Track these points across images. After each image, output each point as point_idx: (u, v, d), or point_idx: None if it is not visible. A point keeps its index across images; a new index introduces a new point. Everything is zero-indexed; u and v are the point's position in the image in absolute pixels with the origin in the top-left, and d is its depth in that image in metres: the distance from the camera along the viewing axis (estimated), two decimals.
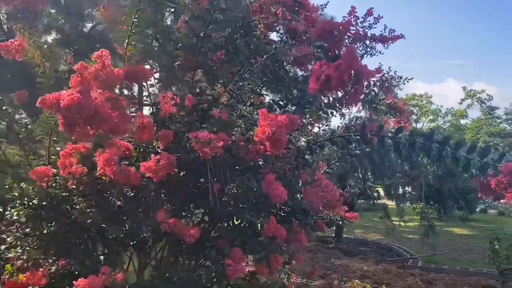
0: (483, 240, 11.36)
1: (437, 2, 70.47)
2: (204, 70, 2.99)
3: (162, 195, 2.59)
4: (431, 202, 16.21)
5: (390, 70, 4.06)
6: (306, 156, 3.07)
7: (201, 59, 2.91)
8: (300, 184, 2.52)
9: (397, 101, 3.78)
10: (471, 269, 8.20)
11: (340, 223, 3.16)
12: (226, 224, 2.74)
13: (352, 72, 2.02)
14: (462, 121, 44.90)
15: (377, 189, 11.11)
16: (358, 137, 2.73)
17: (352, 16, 3.51)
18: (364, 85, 2.10)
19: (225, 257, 2.37)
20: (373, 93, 3.49)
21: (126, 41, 2.63)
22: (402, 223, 11.42)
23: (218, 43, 3.05)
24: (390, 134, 2.64)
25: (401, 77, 4.10)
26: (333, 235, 10.86)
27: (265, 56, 2.96)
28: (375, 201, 11.25)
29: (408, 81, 4.14)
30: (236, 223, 2.78)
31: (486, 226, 15.77)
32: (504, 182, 1.97)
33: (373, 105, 3.50)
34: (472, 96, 41.57)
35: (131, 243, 2.52)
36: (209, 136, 2.27)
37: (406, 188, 13.53)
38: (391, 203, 12.62)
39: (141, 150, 2.56)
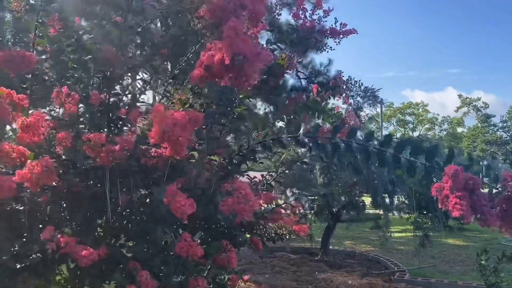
0: (476, 250, 10.93)
1: (436, 11, 70.61)
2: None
3: (62, 209, 2.22)
4: (424, 212, 15.75)
5: (351, 79, 3.71)
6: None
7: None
8: (220, 195, 2.14)
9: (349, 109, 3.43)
10: (460, 283, 7.78)
11: (287, 237, 2.77)
12: (140, 242, 2.36)
13: (239, 55, 1.66)
14: (459, 129, 44.67)
15: (363, 198, 10.66)
16: (301, 139, 2.36)
17: (300, 9, 3.19)
18: (255, 72, 1.72)
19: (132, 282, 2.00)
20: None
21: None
22: (392, 234, 10.98)
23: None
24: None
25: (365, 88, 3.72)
26: (319, 246, 10.42)
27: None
28: (362, 211, 10.81)
29: (370, 92, 3.77)
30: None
31: (481, 236, 15.30)
32: (445, 188, 1.59)
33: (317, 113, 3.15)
34: (468, 104, 41.40)
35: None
36: (102, 138, 1.91)
37: (396, 197, 13.08)
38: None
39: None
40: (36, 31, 2.49)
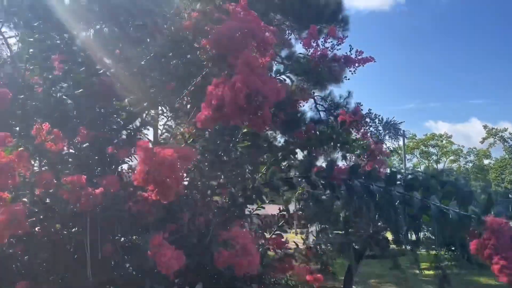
0: None
1: (455, 42, 70.17)
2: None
3: (40, 260, 1.96)
4: (452, 248, 14.91)
5: (371, 112, 3.39)
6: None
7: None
8: (215, 245, 1.86)
9: (370, 142, 3.09)
10: None
11: None
12: None
13: (257, 95, 1.40)
14: (486, 161, 43.38)
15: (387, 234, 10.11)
16: (313, 180, 2.08)
17: (311, 36, 2.96)
18: (270, 109, 1.47)
19: None
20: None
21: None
22: (419, 271, 10.30)
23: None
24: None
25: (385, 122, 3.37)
26: (342, 287, 9.86)
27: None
28: (386, 247, 10.24)
29: (390, 125, 3.43)
30: None
31: None
32: (488, 246, 1.27)
33: (344, 145, 2.85)
34: (494, 135, 40.29)
35: None
36: (80, 180, 1.67)
37: (422, 233, 12.41)
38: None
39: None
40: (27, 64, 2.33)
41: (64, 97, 2.28)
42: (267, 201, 2.71)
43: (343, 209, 8.60)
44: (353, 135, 2.98)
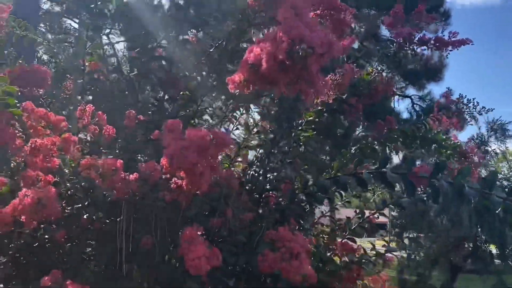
0: None
1: None
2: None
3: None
4: None
5: (462, 97, 2.83)
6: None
7: None
8: (261, 246, 1.59)
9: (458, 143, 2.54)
10: None
11: None
12: None
13: (301, 43, 1.10)
14: None
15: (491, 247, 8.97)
16: (389, 177, 1.73)
17: (395, 16, 2.57)
18: (320, 66, 1.15)
19: None
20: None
21: None
22: None
23: None
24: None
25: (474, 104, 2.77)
26: None
27: None
28: (491, 262, 9.09)
29: (486, 112, 2.83)
30: None
31: None
32: None
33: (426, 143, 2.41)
34: None
35: None
36: (113, 163, 1.52)
37: None
38: None
39: None
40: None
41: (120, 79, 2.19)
42: (338, 201, 2.40)
43: (437, 216, 7.79)
44: (441, 128, 2.50)
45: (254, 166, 2.22)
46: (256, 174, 2.16)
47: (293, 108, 1.87)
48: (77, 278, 1.66)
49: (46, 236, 1.71)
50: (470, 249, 8.50)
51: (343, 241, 2.38)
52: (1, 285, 1.77)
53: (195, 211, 1.63)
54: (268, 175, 2.12)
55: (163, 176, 1.56)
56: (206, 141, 1.26)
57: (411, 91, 11.31)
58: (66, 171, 1.88)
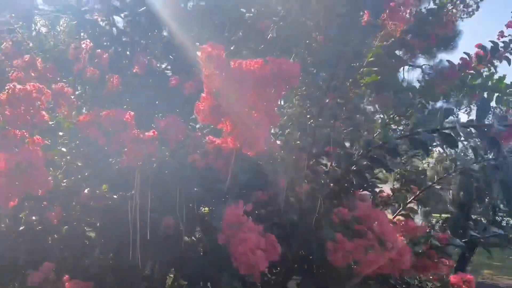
0: None
1: None
2: None
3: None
4: None
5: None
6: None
7: None
8: (328, 229, 1.16)
9: None
10: None
11: None
12: None
13: None
14: None
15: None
16: (458, 132, 1.28)
17: None
18: None
19: None
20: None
21: None
22: None
23: None
24: None
25: None
26: None
27: None
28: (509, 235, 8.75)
29: None
30: None
31: None
32: None
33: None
34: None
35: None
36: (119, 116, 1.08)
37: None
38: None
39: None
40: None
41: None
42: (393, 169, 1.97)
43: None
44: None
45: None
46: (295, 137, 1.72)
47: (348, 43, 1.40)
48: (77, 271, 1.26)
49: (34, 218, 1.28)
50: (488, 222, 8.16)
51: (402, 222, 1.97)
52: None
53: (243, 179, 1.18)
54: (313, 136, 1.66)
55: (192, 135, 1.12)
56: (267, 71, 0.81)
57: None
58: (60, 133, 1.45)
